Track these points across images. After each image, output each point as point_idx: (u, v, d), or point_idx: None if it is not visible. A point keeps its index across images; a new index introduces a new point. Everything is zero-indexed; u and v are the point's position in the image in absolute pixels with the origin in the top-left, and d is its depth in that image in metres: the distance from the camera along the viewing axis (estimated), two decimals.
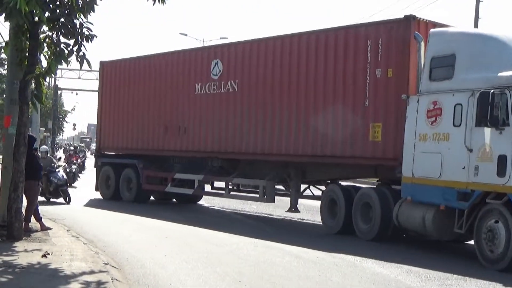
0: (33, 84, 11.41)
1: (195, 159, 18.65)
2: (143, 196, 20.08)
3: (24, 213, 11.65)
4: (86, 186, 24.26)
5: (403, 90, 12.91)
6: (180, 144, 18.52)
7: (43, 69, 11.54)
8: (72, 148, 26.83)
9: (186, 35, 59.19)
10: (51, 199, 18.90)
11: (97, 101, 22.67)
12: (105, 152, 21.95)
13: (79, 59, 10.81)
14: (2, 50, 11.85)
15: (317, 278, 9.42)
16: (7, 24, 10.93)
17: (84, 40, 10.78)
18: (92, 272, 8.61)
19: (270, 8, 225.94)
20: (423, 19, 13.52)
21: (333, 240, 13.44)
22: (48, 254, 9.64)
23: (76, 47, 10.79)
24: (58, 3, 10.63)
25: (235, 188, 17.94)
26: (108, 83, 21.75)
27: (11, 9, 9.08)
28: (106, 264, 9.27)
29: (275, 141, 15.70)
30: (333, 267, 10.28)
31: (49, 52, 11.41)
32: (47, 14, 10.56)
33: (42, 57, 11.64)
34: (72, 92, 62.73)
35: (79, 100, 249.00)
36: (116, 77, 21.33)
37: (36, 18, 10.43)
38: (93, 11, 10.61)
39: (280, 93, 15.75)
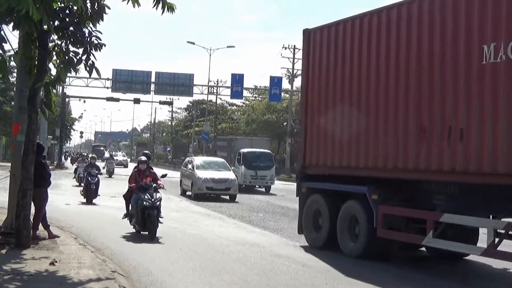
0: (42, 92, 11.50)
1: (480, 187, 10.26)
2: (378, 248, 11.95)
3: (32, 220, 11.72)
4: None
5: None
6: (451, 159, 10.19)
7: (52, 77, 11.63)
8: (109, 155, 22.55)
9: (193, 43, 59.67)
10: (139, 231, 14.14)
11: (301, 91, 14.92)
12: (313, 173, 13.84)
13: (87, 68, 10.90)
14: (12, 58, 11.95)
15: (324, 287, 9.43)
16: (17, 32, 11.02)
17: (93, 48, 10.87)
18: (99, 280, 8.64)
19: (274, 12, 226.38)
20: None
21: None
22: (56, 261, 9.68)
23: (85, 55, 10.88)
24: (67, 12, 10.73)
25: None
26: (317, 62, 13.69)
27: (21, 17, 9.16)
28: (113, 271, 9.30)
29: None
30: (339, 275, 10.28)
31: (58, 61, 11.51)
32: (56, 22, 10.66)
33: (51, 65, 11.74)
34: (79, 100, 63.01)
35: (86, 108, 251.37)
36: (331, 51, 13.31)
37: (46, 27, 10.52)
38: (102, 20, 10.71)
39: None
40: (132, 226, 14.36)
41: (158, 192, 14.04)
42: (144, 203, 13.61)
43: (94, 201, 22.30)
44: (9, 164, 13.71)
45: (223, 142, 48.40)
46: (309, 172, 13.92)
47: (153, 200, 13.70)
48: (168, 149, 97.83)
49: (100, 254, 11.02)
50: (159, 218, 13.81)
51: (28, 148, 11.00)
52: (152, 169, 14.90)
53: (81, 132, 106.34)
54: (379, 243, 11.77)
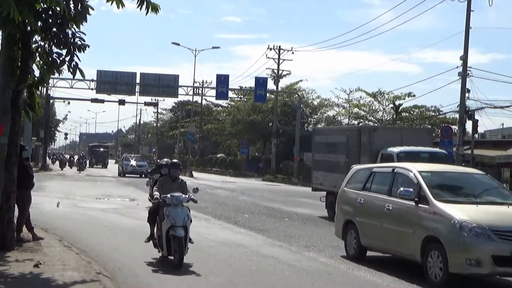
0: (25, 94, 11.42)
1: None
2: None
3: (16, 223, 11.63)
4: None
5: None
6: None
7: (36, 79, 11.55)
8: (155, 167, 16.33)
9: (178, 44, 59.45)
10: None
11: None
12: None
13: (71, 69, 10.83)
14: None
15: (310, 287, 9.45)
16: None
17: (77, 50, 10.80)
18: (84, 282, 8.59)
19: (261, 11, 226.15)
20: None
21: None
22: (40, 263, 9.62)
23: (69, 57, 10.81)
24: (50, 12, 10.66)
25: None
26: None
27: (4, 18, 9.09)
28: (98, 273, 9.25)
29: None
30: (325, 275, 10.31)
31: (41, 62, 11.43)
32: (39, 23, 10.59)
33: (34, 67, 11.66)
34: (64, 101, 62.64)
35: (71, 109, 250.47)
36: None
37: (29, 28, 10.45)
38: (86, 21, 10.64)
39: None
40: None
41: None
42: None
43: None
44: None
45: (339, 136, 22.58)
46: None
47: None
48: (153, 150, 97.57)
49: (85, 255, 10.95)
50: None
51: (11, 150, 10.93)
52: None
53: (66, 134, 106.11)
54: None
